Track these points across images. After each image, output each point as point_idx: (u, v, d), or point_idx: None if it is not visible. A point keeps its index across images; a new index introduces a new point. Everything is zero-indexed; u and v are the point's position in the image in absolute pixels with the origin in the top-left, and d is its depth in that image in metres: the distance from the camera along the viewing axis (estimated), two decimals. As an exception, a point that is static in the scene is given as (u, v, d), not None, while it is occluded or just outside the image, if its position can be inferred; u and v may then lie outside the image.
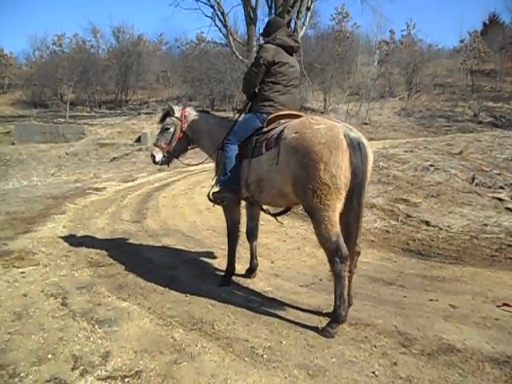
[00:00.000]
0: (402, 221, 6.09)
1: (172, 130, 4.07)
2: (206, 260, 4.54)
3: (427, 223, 5.99)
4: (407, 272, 4.32)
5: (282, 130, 3.05)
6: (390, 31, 28.13)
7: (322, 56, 19.76)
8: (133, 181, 9.99)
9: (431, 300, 3.54)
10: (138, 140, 13.87)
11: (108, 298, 3.49)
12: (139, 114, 20.32)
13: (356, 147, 2.75)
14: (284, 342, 2.77)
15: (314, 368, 2.49)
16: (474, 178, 7.55)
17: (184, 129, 4.07)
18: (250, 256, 4.04)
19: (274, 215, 3.71)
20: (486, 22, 37.75)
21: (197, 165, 4.82)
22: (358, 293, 3.66)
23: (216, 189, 3.66)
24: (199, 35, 35.14)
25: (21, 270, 4.13)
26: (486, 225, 5.90)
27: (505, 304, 3.44)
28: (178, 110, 4.11)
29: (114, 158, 12.64)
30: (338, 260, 2.79)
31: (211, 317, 3.14)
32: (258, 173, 3.24)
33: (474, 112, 18.71)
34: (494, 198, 6.98)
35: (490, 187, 7.32)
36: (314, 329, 2.97)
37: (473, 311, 3.32)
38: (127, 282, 3.87)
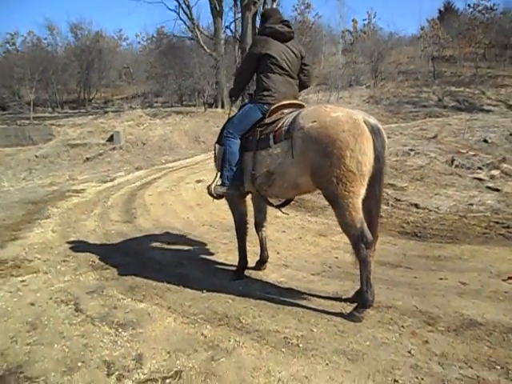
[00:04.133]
0: (392, 205, 6.25)
1: None
2: (211, 256, 4.49)
3: (416, 206, 6.17)
4: (409, 254, 4.44)
5: (294, 120, 3.03)
6: (353, 21, 28.54)
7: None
8: (112, 181, 9.72)
9: (441, 279, 3.65)
10: (111, 139, 13.48)
11: (123, 301, 3.39)
12: (106, 112, 19.71)
13: (377, 133, 2.79)
14: (315, 330, 2.79)
15: (352, 353, 2.52)
16: (453, 160, 7.82)
17: None
18: (259, 248, 4.03)
19: (278, 207, 3.71)
20: (442, 9, 39.07)
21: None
22: (373, 278, 3.74)
23: (218, 183, 3.58)
24: (160, 30, 34.60)
25: (20, 278, 3.95)
26: (471, 204, 6.14)
27: (510, 277, 3.60)
28: None
29: (88, 159, 12.25)
30: (363, 246, 2.82)
31: (235, 311, 3.12)
32: (267, 166, 3.19)
33: (439, 97, 19.35)
34: (475, 178, 7.27)
35: (468, 168, 7.61)
36: (340, 315, 3.01)
37: (482, 286, 3.45)
38: (137, 282, 3.78)
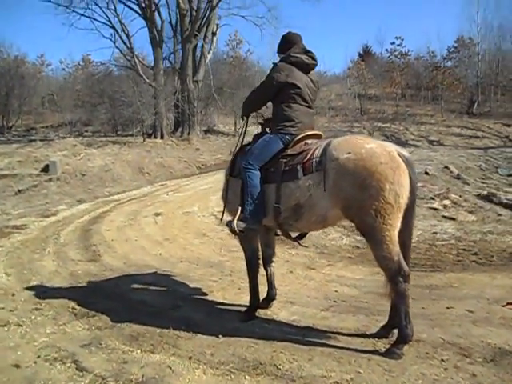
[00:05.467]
0: (365, 235, 6.37)
1: None
2: (206, 296, 4.17)
3: (387, 235, 6.35)
4: (403, 284, 4.50)
5: (325, 151, 2.96)
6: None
7: (231, 80, 20.19)
8: (54, 215, 8.85)
9: (448, 308, 3.72)
10: (45, 169, 12.42)
11: (131, 353, 2.98)
12: (31, 140, 18.33)
13: (411, 165, 2.81)
14: (362, 372, 2.65)
15: (412, 394, 2.41)
16: (407, 191, 8.26)
17: None
18: (267, 285, 3.82)
19: (296, 240, 3.58)
20: (361, 52, 42.60)
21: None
22: (381, 310, 3.71)
23: (235, 219, 3.36)
24: (85, 57, 33.40)
25: (-12, 334, 3.34)
26: (435, 232, 6.48)
27: (508, 303, 3.76)
28: None
29: (20, 191, 11.11)
30: (401, 279, 2.78)
31: (265, 357, 2.87)
32: (296, 199, 3.05)
33: (369, 131, 20.71)
34: (430, 207, 7.74)
35: (422, 198, 8.07)
36: (376, 352, 2.90)
37: (489, 313, 3.55)
38: (137, 330, 3.36)
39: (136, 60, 18.03)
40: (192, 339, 3.18)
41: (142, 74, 17.89)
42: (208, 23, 18.60)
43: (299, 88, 3.32)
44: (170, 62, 20.16)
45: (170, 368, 2.76)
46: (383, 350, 2.93)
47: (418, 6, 71.23)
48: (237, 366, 2.75)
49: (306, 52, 3.45)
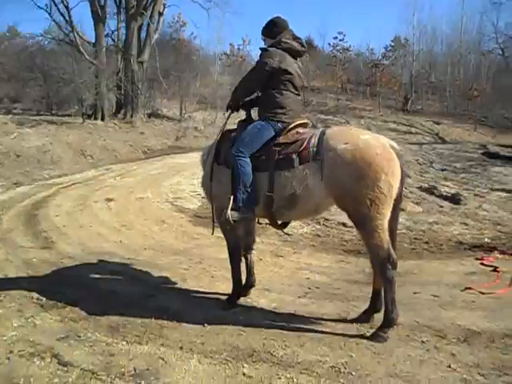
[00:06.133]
0: (324, 224, 6.56)
1: None
2: (180, 284, 4.06)
3: (344, 225, 6.56)
4: (368, 271, 4.69)
5: (321, 141, 2.99)
6: (230, 44, 29.60)
7: (178, 63, 19.57)
8: (-10, 198, 8.13)
9: (415, 293, 3.95)
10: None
11: (116, 345, 2.83)
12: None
13: (401, 157, 2.93)
14: (354, 356, 2.74)
15: (403, 375, 2.53)
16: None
17: None
18: (246, 272, 3.80)
19: (281, 228, 3.58)
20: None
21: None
22: (354, 296, 3.86)
23: (228, 209, 3.27)
24: (12, 28, 30.61)
25: None
26: (388, 222, 6.83)
27: (467, 288, 4.08)
28: None
29: None
30: (390, 266, 2.90)
31: (257, 344, 2.87)
32: (291, 188, 3.05)
33: (313, 124, 21.19)
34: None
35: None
36: (362, 336, 3.01)
37: (451, 298, 3.83)
38: (116, 321, 3.21)
39: (76, 35, 16.82)
40: (177, 329, 3.09)
41: (82, 50, 16.75)
42: (155, 2, 17.83)
43: (291, 74, 3.30)
44: (113, 40, 19.12)
45: (162, 359, 2.67)
46: (368, 334, 3.05)
47: (360, 3, 73.74)
48: (231, 355, 2.72)
49: (295, 38, 3.42)
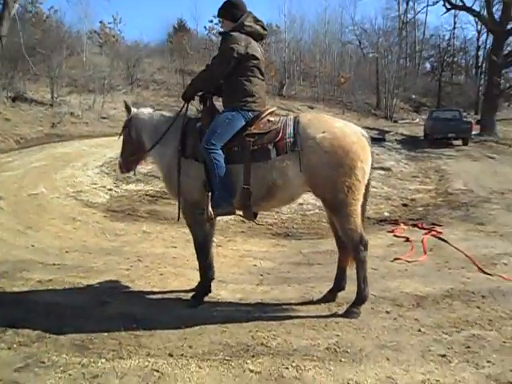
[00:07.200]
0: (244, 210, 6.63)
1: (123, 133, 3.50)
2: (129, 287, 3.75)
3: (263, 209, 6.76)
4: (305, 252, 4.94)
5: (297, 130, 2.99)
6: (100, 22, 27.19)
7: (47, 41, 17.24)
8: None
9: (350, 267, 4.27)
10: None
11: (95, 365, 2.50)
12: None
13: (370, 144, 3.11)
14: (340, 334, 2.88)
15: (391, 344, 2.73)
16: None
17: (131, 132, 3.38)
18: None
19: (253, 218, 3.49)
20: (176, 26, 42.08)
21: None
22: (306, 277, 4.03)
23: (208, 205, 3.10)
24: None
25: None
26: (301, 204, 7.19)
27: (396, 259, 4.58)
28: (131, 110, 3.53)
29: None
30: (362, 248, 3.09)
31: (246, 339, 2.81)
32: (270, 179, 3.01)
33: (197, 108, 20.92)
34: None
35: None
36: (336, 315, 3.18)
37: (387, 269, 4.26)
38: (78, 338, 2.81)
39: None
40: (155, 335, 2.86)
41: None
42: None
43: (258, 59, 3.20)
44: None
45: (157, 371, 2.45)
46: (339, 312, 3.23)
47: None
48: (227, 353, 2.63)
49: (257, 21, 3.31)
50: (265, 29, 3.38)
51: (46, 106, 16.45)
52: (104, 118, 17.00)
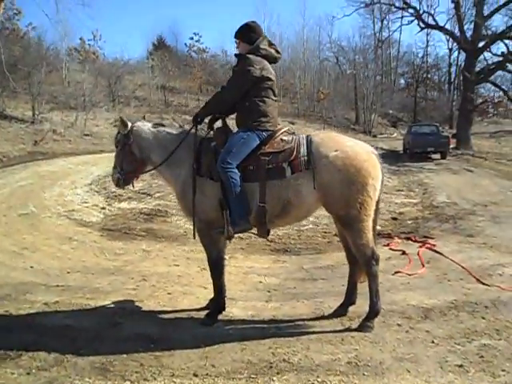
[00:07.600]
0: (241, 226, 6.67)
1: (120, 147, 3.31)
2: (139, 307, 3.72)
3: (259, 225, 6.80)
4: (307, 267, 4.99)
5: (310, 149, 3.09)
6: (80, 39, 27.07)
7: (27, 58, 17.03)
8: None
9: (361, 282, 4.36)
10: None
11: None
12: None
13: (380, 162, 3.23)
14: (358, 348, 2.94)
15: (409, 357, 2.82)
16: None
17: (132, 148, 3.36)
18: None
19: (266, 236, 3.53)
20: (155, 42, 42.25)
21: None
22: (312, 292, 4.08)
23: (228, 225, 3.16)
24: None
25: None
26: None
27: (396, 272, 4.69)
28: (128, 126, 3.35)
29: None
30: (374, 263, 3.19)
31: (268, 355, 2.84)
32: (285, 197, 3.09)
33: (180, 124, 21.00)
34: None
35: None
36: (348, 330, 3.24)
37: (390, 282, 4.36)
38: (97, 360, 2.79)
39: None
40: (175, 355, 2.86)
41: None
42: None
43: (272, 81, 3.32)
44: None
45: (186, 392, 2.46)
46: (353, 326, 3.30)
47: (215, 6, 75.54)
48: (252, 371, 2.66)
49: (271, 45, 3.44)
50: (278, 52, 3.51)
51: (26, 124, 16.20)
52: (87, 135, 16.85)
